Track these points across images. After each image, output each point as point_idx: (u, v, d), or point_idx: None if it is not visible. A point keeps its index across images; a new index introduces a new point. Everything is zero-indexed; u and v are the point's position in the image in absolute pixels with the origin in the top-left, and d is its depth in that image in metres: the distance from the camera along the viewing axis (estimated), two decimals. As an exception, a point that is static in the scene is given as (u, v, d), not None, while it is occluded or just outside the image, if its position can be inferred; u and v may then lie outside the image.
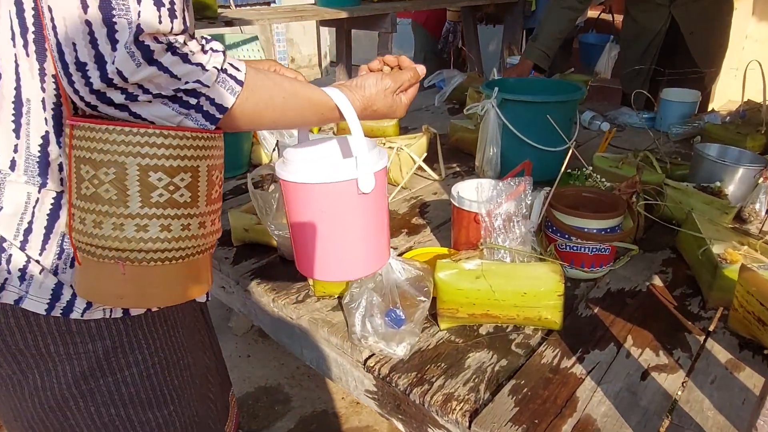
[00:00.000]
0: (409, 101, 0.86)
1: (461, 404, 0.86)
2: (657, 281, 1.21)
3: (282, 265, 1.30)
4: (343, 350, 1.03)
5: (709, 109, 2.71)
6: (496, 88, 1.65)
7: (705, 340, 1.01)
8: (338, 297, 1.14)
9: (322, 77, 7.67)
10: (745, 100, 2.18)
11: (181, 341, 0.81)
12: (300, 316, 1.12)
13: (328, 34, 7.57)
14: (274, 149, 1.56)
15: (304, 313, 1.11)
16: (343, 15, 2.09)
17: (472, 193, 1.22)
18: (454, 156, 2.07)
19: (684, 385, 0.90)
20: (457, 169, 1.94)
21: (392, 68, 0.87)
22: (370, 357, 0.98)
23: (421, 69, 0.86)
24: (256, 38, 3.75)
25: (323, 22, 2.41)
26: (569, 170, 1.61)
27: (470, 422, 0.83)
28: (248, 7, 7.53)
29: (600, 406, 0.85)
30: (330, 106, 0.74)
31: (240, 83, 0.63)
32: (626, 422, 0.82)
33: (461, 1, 2.83)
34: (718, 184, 1.44)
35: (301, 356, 1.18)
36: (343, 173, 0.76)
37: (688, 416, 0.83)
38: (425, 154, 1.83)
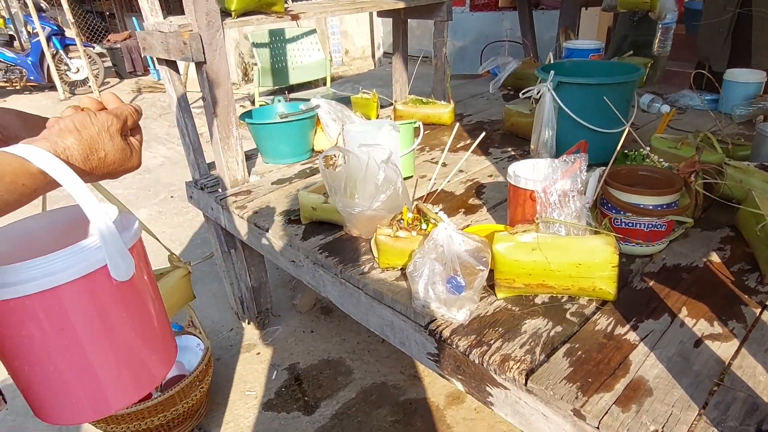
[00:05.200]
0: (140, 147, 0.65)
1: (518, 364, 0.93)
2: (714, 258, 1.22)
3: (348, 240, 1.40)
4: (406, 316, 1.12)
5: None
6: (552, 72, 1.68)
7: (761, 313, 1.03)
8: (401, 268, 1.23)
9: (375, 68, 7.76)
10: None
11: None
12: (366, 285, 1.21)
13: (381, 26, 7.65)
14: (339, 134, 1.66)
15: (369, 282, 1.21)
16: (401, 5, 2.16)
17: (529, 171, 1.27)
18: (509, 141, 2.11)
19: (737, 352, 0.93)
20: (512, 153, 1.99)
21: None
22: (431, 321, 1.06)
23: (137, 107, 0.66)
24: (314, 31, 3.89)
25: (380, 13, 2.48)
26: (626, 151, 1.63)
27: (526, 380, 0.90)
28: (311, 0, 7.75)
29: (652, 369, 0.90)
30: (30, 171, 0.51)
31: None
32: (678, 384, 0.86)
33: (516, -13, 2.83)
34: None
35: (366, 324, 1.27)
36: (83, 261, 0.55)
37: (740, 380, 0.87)
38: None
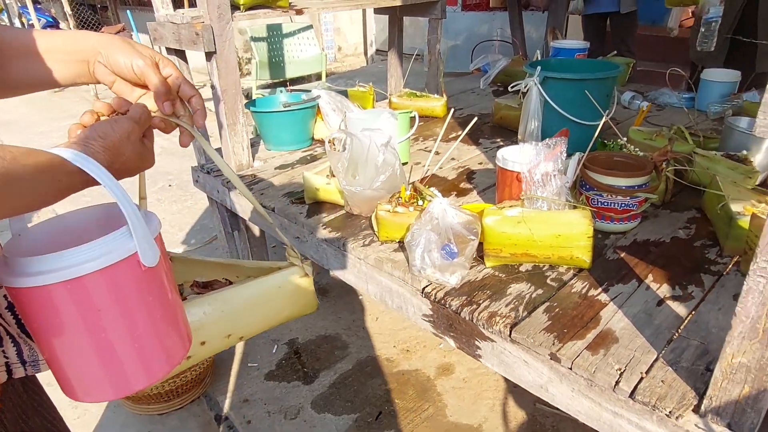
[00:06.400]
0: (152, 146, 0.71)
1: (504, 319, 1.06)
2: (680, 235, 1.36)
3: (349, 218, 1.52)
4: (404, 281, 1.24)
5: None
6: (539, 67, 1.81)
7: (717, 280, 1.17)
8: (399, 241, 1.35)
9: (368, 65, 7.88)
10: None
11: None
12: (367, 256, 1.33)
13: (374, 23, 7.77)
14: (341, 121, 1.78)
15: (370, 253, 1.33)
16: (398, 2, 2.29)
17: (516, 155, 1.40)
18: (498, 132, 2.25)
19: (694, 310, 1.07)
20: (501, 143, 2.12)
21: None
22: (427, 285, 1.19)
23: (146, 107, 0.69)
24: (310, 26, 3.99)
25: (377, 10, 2.60)
26: (605, 141, 1.76)
27: (511, 331, 1.02)
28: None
29: (619, 322, 1.03)
30: (68, 169, 0.57)
31: None
32: (641, 334, 1.00)
33: (507, -12, 2.97)
34: (744, 152, 1.57)
35: (366, 291, 1.39)
36: (117, 250, 0.60)
37: (695, 332, 1.00)
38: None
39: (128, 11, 7.39)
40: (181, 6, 1.96)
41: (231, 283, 1.03)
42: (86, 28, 8.79)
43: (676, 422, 0.82)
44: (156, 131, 0.74)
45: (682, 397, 0.85)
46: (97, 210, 0.74)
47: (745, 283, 0.72)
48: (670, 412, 0.82)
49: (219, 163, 0.79)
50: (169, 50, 1.92)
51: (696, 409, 0.83)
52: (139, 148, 0.66)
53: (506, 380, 1.81)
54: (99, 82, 0.75)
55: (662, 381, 0.88)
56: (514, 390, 1.78)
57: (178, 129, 0.76)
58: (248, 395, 1.82)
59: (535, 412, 1.69)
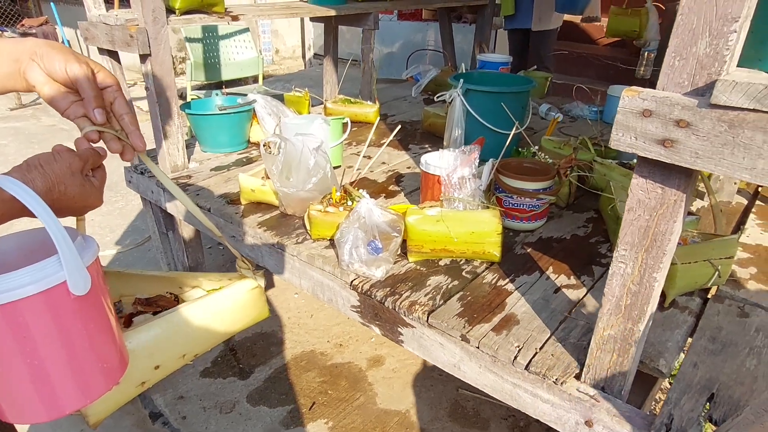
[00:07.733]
0: (101, 186, 0.73)
1: (422, 307, 1.18)
2: (579, 233, 1.55)
3: (282, 218, 1.60)
4: (334, 275, 1.34)
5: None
6: (462, 80, 1.97)
7: (605, 271, 1.35)
8: (330, 239, 1.45)
9: (306, 69, 7.91)
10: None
11: None
12: (300, 252, 1.42)
13: (312, 27, 7.82)
14: (276, 125, 1.85)
15: (303, 250, 1.42)
16: (332, 13, 2.39)
17: (437, 160, 1.54)
18: (427, 138, 2.39)
19: (584, 296, 1.23)
20: (429, 149, 2.26)
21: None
22: (355, 279, 1.29)
23: (102, 149, 0.74)
24: (247, 29, 4.02)
25: (313, 18, 2.69)
26: (519, 149, 1.94)
27: (428, 317, 1.15)
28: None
29: (521, 307, 1.18)
30: (2, 198, 0.58)
31: None
32: (538, 316, 1.15)
33: (437, 2, 3.15)
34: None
35: (299, 286, 1.48)
36: (47, 277, 0.61)
37: (583, 314, 1.17)
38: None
39: (52, 3, 7.04)
40: (112, 3, 1.96)
41: (176, 296, 1.03)
42: (4, 20, 8.29)
43: (561, 388, 0.97)
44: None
45: (567, 367, 1.00)
46: (39, 233, 0.73)
47: (610, 268, 0.88)
48: (556, 379, 0.97)
49: (166, 183, 0.83)
50: (101, 50, 1.92)
51: (578, 377, 0.99)
52: (80, 181, 0.68)
53: (432, 369, 1.95)
54: (28, 89, 0.74)
55: (552, 355, 1.03)
56: (439, 378, 1.92)
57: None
58: (183, 392, 1.85)
59: (457, 396, 1.84)
